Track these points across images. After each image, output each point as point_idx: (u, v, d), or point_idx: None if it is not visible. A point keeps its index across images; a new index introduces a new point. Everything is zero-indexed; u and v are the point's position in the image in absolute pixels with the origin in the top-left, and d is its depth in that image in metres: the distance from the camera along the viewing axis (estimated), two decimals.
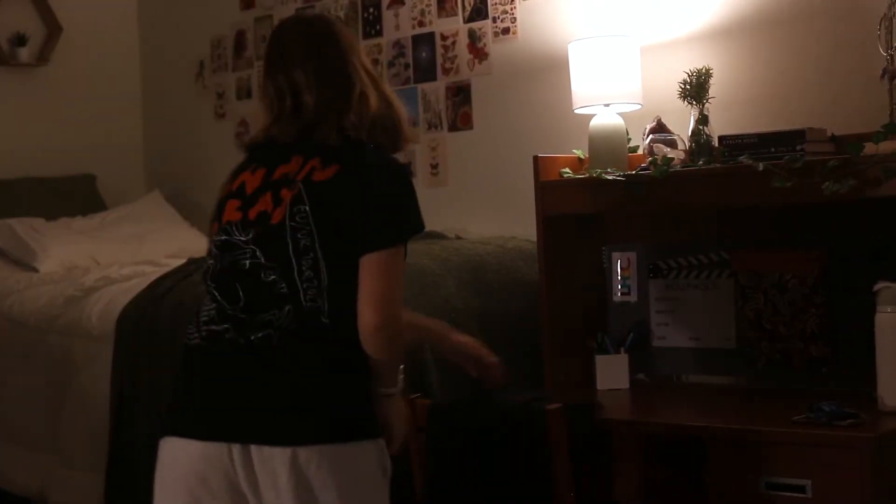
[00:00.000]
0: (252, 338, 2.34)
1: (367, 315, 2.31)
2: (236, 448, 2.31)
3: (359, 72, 2.48)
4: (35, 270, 4.75)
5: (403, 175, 2.45)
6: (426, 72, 4.72)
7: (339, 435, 2.32)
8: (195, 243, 4.88)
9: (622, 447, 3.33)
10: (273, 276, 2.33)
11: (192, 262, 3.95)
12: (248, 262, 2.35)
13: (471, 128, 4.59)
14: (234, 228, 2.39)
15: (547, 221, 3.68)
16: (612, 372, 3.64)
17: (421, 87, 4.73)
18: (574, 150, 3.83)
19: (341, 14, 4.96)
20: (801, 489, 2.86)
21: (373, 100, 2.46)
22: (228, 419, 2.33)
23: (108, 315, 3.95)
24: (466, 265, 3.87)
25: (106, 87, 5.74)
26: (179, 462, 2.36)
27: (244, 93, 5.37)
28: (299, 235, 2.33)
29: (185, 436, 2.35)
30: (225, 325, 2.36)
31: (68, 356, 4.10)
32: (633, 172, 3.54)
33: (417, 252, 3.83)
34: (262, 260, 2.34)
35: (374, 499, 2.39)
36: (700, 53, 3.86)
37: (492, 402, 3.11)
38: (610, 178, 3.51)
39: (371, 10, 4.89)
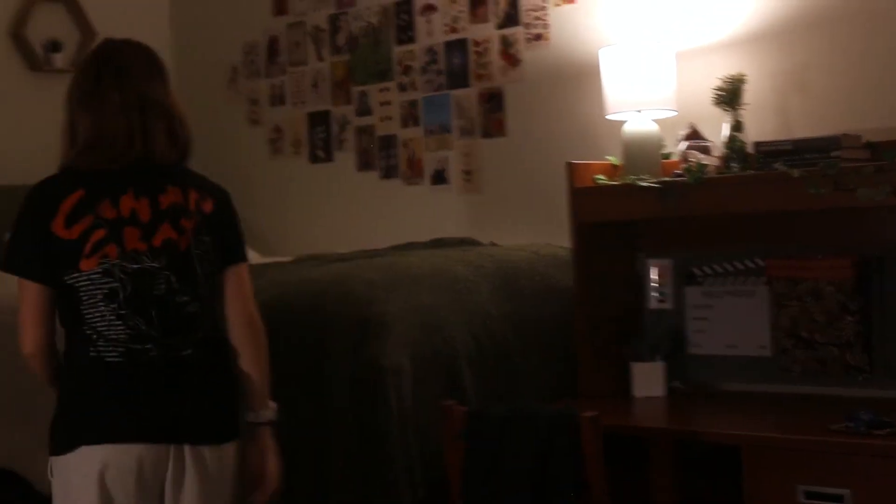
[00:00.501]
0: (177, 354, 2.56)
1: (248, 309, 2.68)
2: (173, 448, 2.54)
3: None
4: None
5: None
6: (459, 78, 4.72)
7: (239, 432, 2.66)
8: None
9: (658, 455, 3.33)
10: (185, 298, 2.58)
11: None
12: (162, 286, 2.56)
13: (504, 135, 4.59)
14: (143, 256, 2.55)
15: (581, 228, 3.68)
16: (648, 379, 3.65)
17: (453, 93, 4.73)
18: (608, 157, 3.83)
19: (374, 20, 4.98)
20: (840, 498, 2.86)
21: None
22: (166, 424, 2.54)
23: None
24: (500, 271, 3.86)
25: None
26: (114, 465, 2.50)
27: (278, 99, 5.39)
28: (203, 262, 2.61)
29: (125, 441, 2.51)
30: (147, 346, 2.54)
31: None
32: (668, 179, 3.54)
33: (452, 258, 3.83)
34: (176, 285, 2.57)
35: None
36: (734, 59, 3.85)
37: (528, 408, 3.12)
38: (644, 184, 3.51)
39: (404, 16, 4.90)
